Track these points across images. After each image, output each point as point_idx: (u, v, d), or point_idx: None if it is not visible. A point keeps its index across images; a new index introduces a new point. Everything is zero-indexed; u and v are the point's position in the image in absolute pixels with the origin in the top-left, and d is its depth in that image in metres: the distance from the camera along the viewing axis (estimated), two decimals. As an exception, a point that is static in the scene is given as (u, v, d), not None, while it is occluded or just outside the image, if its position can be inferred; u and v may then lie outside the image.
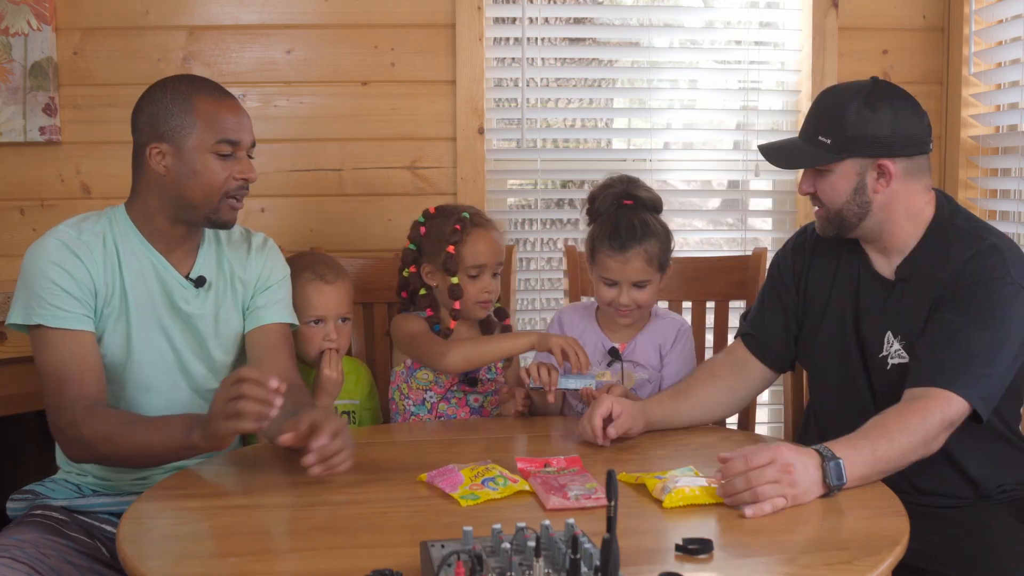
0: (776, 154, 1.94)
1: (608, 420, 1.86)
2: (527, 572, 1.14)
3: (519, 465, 1.70)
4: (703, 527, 1.47)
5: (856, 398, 1.92)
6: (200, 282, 1.96)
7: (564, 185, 3.03)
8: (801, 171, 1.93)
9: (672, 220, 2.31)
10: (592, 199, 2.20)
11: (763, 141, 2.01)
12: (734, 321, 2.38)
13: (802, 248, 2.05)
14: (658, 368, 2.21)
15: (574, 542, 1.11)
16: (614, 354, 2.20)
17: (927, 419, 1.67)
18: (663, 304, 2.49)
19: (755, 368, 2.06)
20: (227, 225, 1.93)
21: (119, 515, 1.53)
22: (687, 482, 1.56)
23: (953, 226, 1.87)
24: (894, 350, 1.86)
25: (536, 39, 2.85)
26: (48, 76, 2.65)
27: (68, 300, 1.82)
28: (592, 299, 2.28)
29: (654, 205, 2.18)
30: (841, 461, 1.57)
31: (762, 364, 2.06)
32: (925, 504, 1.79)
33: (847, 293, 1.95)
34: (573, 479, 1.63)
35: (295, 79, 2.75)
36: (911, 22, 2.86)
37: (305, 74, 2.75)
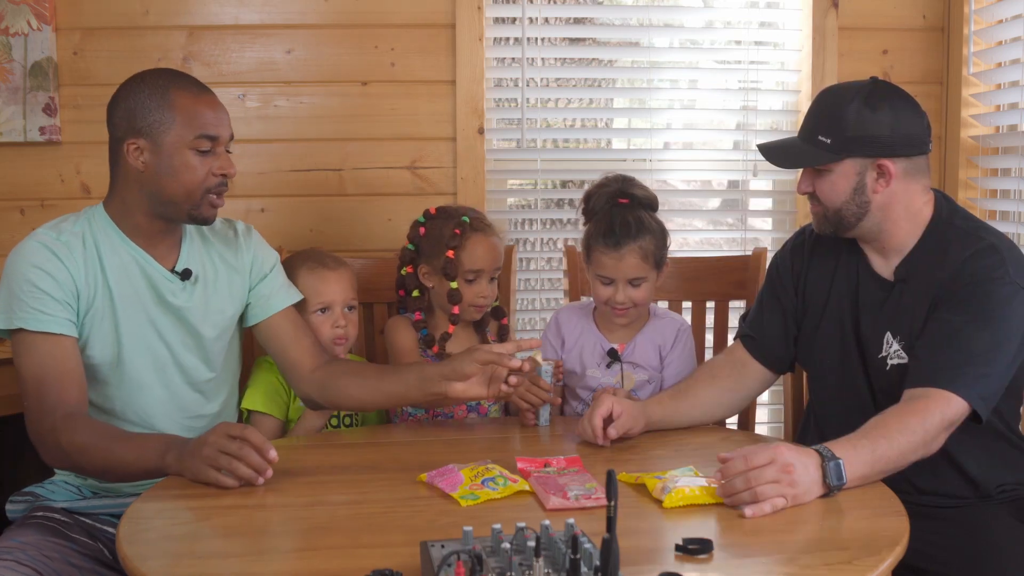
0: (776, 153, 1.94)
1: (608, 420, 1.86)
2: (527, 572, 1.14)
3: (519, 465, 1.70)
4: (703, 527, 1.47)
5: (856, 399, 1.92)
6: (186, 275, 1.95)
7: (564, 185, 3.03)
8: (800, 170, 1.93)
9: (672, 220, 2.31)
10: (587, 198, 2.20)
11: (763, 141, 2.01)
12: (734, 321, 2.38)
13: (801, 249, 2.05)
14: (658, 369, 2.21)
15: (574, 542, 1.11)
16: (613, 355, 2.19)
17: (927, 419, 1.67)
18: (663, 304, 2.49)
19: (755, 369, 2.06)
20: (208, 221, 1.92)
21: (120, 517, 1.53)
22: (687, 482, 1.56)
23: (952, 226, 1.87)
24: (893, 350, 1.86)
25: (536, 39, 2.85)
26: (48, 76, 2.65)
27: (49, 303, 1.81)
28: (590, 299, 2.29)
29: (649, 203, 2.18)
30: (841, 461, 1.57)
31: (762, 366, 2.06)
32: (925, 504, 1.79)
33: (846, 294, 1.96)
34: (573, 479, 1.63)
35: (295, 79, 2.75)
36: (911, 22, 2.86)
37: (305, 74, 2.75)
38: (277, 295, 2.06)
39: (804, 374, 2.31)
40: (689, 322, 2.35)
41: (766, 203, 3.04)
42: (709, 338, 2.56)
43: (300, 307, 2.13)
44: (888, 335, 1.87)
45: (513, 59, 2.85)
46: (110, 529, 1.86)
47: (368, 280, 2.50)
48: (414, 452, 1.93)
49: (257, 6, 2.73)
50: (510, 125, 2.88)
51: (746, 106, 2.90)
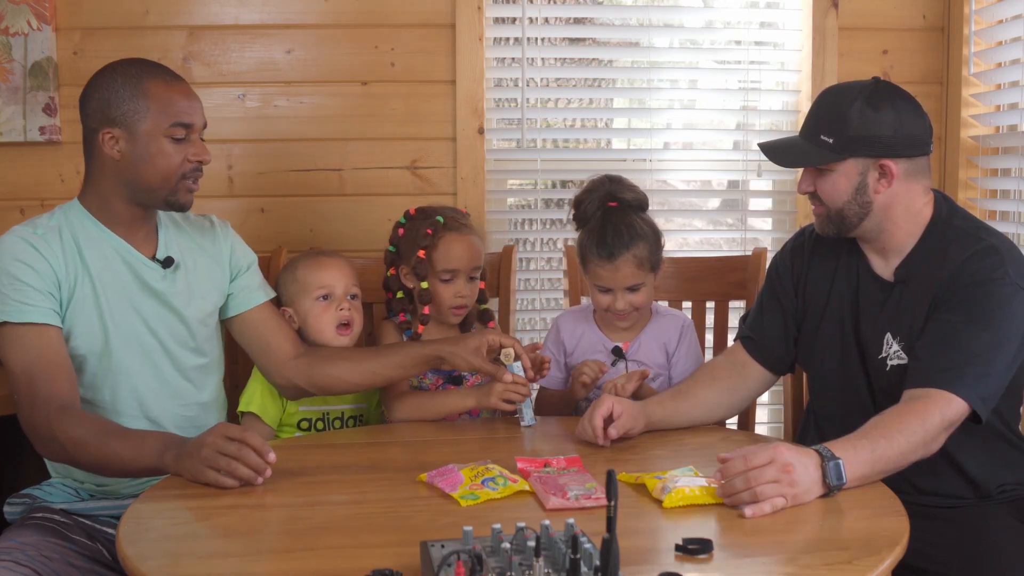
0: (777, 152, 1.94)
1: (609, 420, 1.86)
2: (527, 572, 1.14)
3: (519, 465, 1.70)
4: (703, 527, 1.47)
5: (856, 399, 1.92)
6: (168, 263, 1.96)
7: (564, 185, 3.02)
8: (801, 170, 1.93)
9: (672, 220, 2.31)
10: (577, 204, 2.19)
11: (763, 141, 2.01)
12: (734, 321, 2.38)
13: (800, 250, 2.05)
14: (664, 367, 2.20)
15: (574, 542, 1.11)
16: (618, 353, 2.19)
17: (927, 420, 1.67)
18: (663, 303, 2.49)
19: (755, 371, 2.06)
20: (184, 208, 1.94)
21: (119, 518, 1.53)
22: (687, 482, 1.56)
23: (951, 226, 1.87)
24: (893, 351, 1.86)
25: (536, 39, 2.85)
26: (48, 76, 2.65)
27: (32, 294, 1.81)
28: (589, 301, 2.28)
29: (639, 204, 2.17)
30: (841, 461, 1.56)
31: (762, 367, 2.06)
32: (925, 504, 1.79)
33: (846, 295, 1.95)
34: (573, 479, 1.63)
35: (295, 79, 2.75)
36: (911, 22, 2.86)
37: (305, 74, 2.75)
38: (259, 290, 2.11)
39: (804, 375, 2.31)
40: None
41: (766, 203, 3.04)
42: (709, 338, 2.56)
43: (301, 297, 2.16)
44: (888, 336, 1.87)
45: (513, 59, 2.85)
46: (109, 530, 1.86)
47: (368, 280, 2.49)
48: (414, 452, 1.93)
49: (257, 6, 2.73)
50: (510, 125, 2.88)
51: (746, 106, 2.90)
